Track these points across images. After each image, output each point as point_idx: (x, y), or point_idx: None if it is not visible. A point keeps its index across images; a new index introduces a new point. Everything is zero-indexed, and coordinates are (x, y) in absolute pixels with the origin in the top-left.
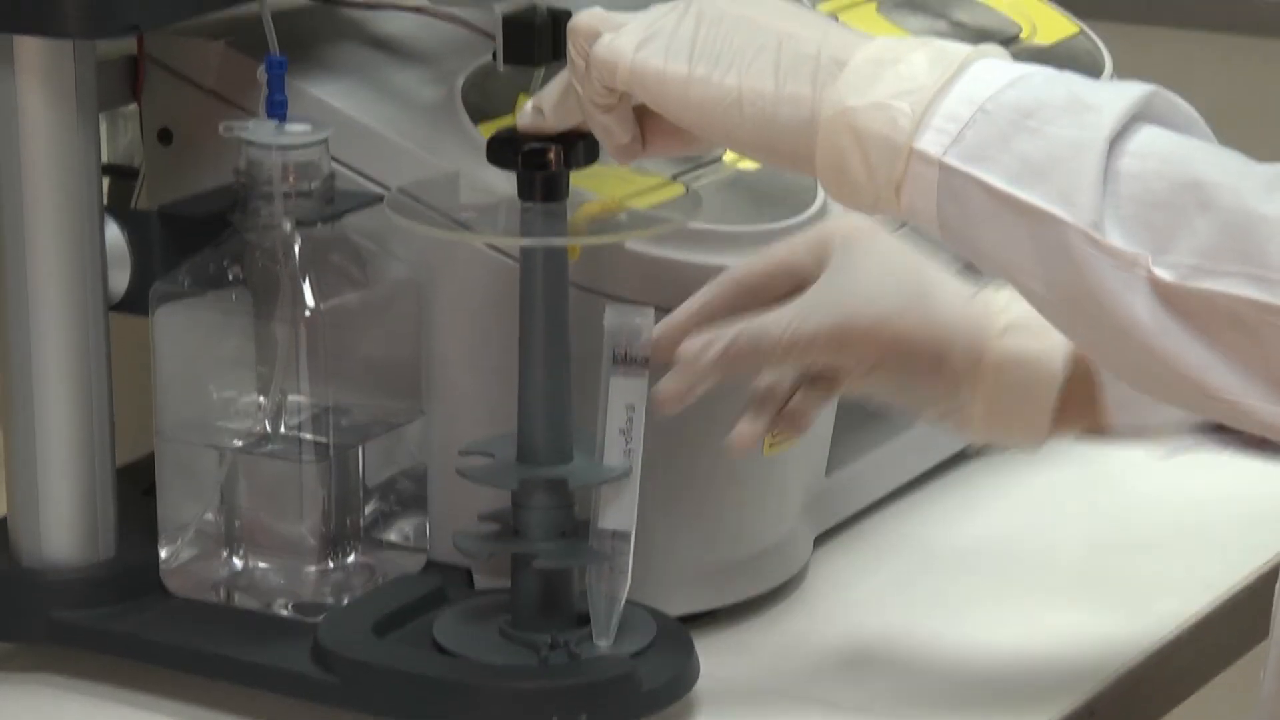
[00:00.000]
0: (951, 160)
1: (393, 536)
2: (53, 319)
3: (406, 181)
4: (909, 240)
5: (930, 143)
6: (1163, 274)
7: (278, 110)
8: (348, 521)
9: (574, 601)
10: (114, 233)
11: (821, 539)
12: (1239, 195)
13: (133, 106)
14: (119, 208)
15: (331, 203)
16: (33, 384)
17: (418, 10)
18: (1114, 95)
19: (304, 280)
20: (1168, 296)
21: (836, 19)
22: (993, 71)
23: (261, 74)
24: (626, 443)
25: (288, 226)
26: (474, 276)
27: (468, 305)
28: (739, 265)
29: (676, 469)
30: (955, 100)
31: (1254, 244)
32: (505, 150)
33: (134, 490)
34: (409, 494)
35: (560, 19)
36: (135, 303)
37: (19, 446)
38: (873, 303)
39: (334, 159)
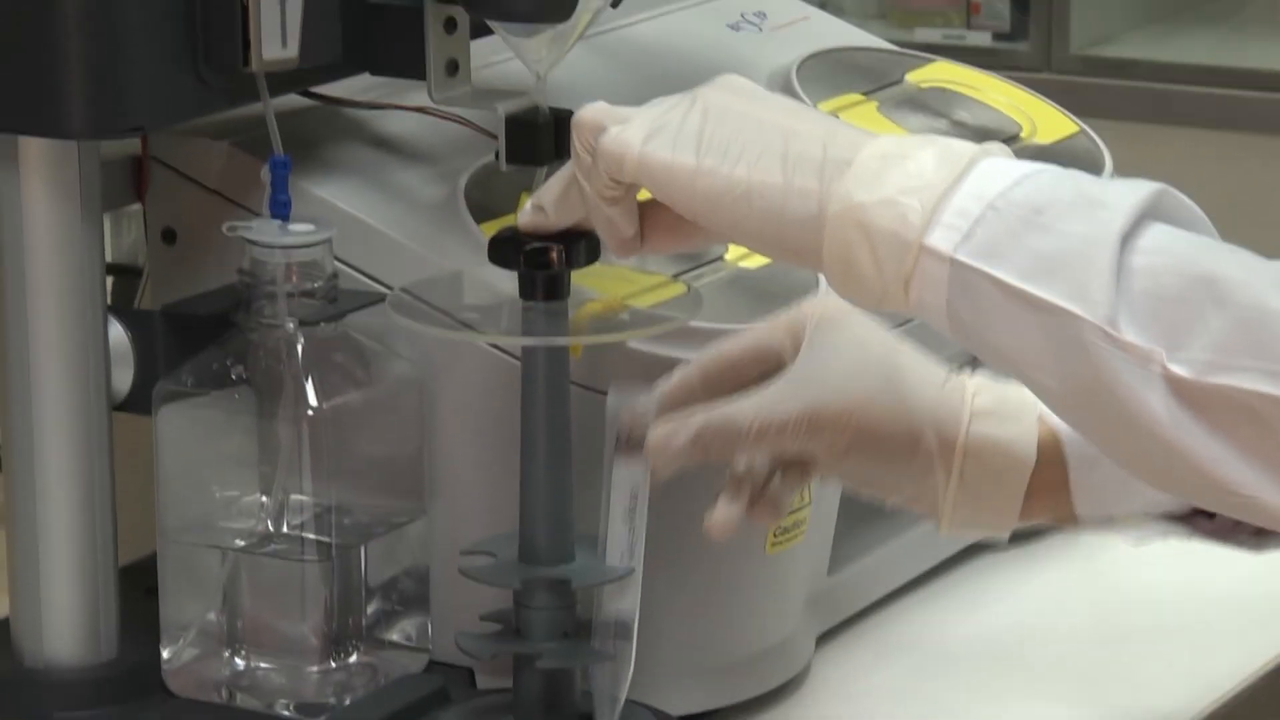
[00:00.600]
0: (963, 256)
1: (395, 636)
2: (56, 418)
3: (409, 281)
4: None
5: (941, 239)
6: (1178, 369)
7: (281, 210)
8: (350, 621)
9: (577, 700)
10: (117, 332)
11: (824, 638)
12: (1251, 290)
13: (136, 206)
14: (122, 307)
15: (335, 302)
16: (35, 483)
17: (421, 110)
18: (1124, 192)
19: (307, 380)
20: (1183, 392)
21: (839, 117)
22: (1000, 169)
23: (265, 174)
24: (630, 529)
25: (291, 326)
26: (477, 376)
27: (470, 404)
28: (712, 348)
29: (678, 567)
30: (965, 197)
31: (1268, 338)
32: (507, 250)
33: (136, 590)
34: (411, 593)
35: (563, 118)
36: (138, 402)
37: (21, 546)
38: (844, 389)
39: (337, 258)
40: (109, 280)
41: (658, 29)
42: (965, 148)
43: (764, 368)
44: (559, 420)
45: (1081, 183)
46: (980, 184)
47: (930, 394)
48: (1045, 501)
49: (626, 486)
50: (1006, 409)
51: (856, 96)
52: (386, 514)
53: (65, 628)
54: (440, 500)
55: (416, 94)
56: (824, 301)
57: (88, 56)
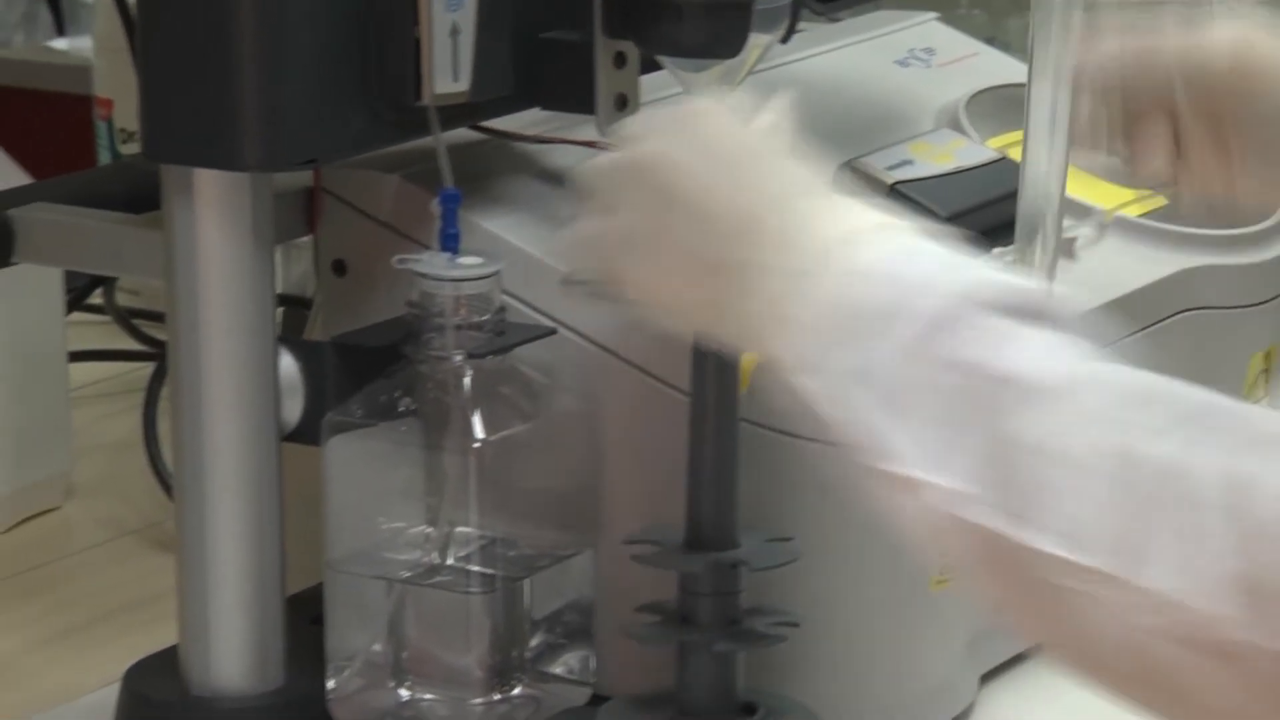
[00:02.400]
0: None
1: (558, 669)
2: (226, 448)
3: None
4: None
5: (783, 348)
6: None
7: (451, 243)
8: (514, 653)
9: (740, 690)
10: (287, 363)
11: (988, 677)
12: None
13: (306, 238)
14: (292, 338)
15: (502, 335)
16: (205, 512)
17: (589, 144)
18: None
19: (474, 412)
20: None
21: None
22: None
23: (435, 207)
24: None
25: (459, 358)
26: (642, 408)
27: (636, 437)
28: None
29: (842, 606)
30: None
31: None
32: None
33: (303, 619)
34: (575, 626)
35: None
36: (307, 433)
37: (191, 574)
38: None
39: (505, 291)
40: (279, 311)
41: (826, 65)
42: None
43: None
44: (727, 401)
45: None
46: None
47: None
48: None
49: None
50: None
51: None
52: (552, 546)
53: (232, 656)
54: (605, 533)
55: (585, 128)
56: None
57: (262, 90)
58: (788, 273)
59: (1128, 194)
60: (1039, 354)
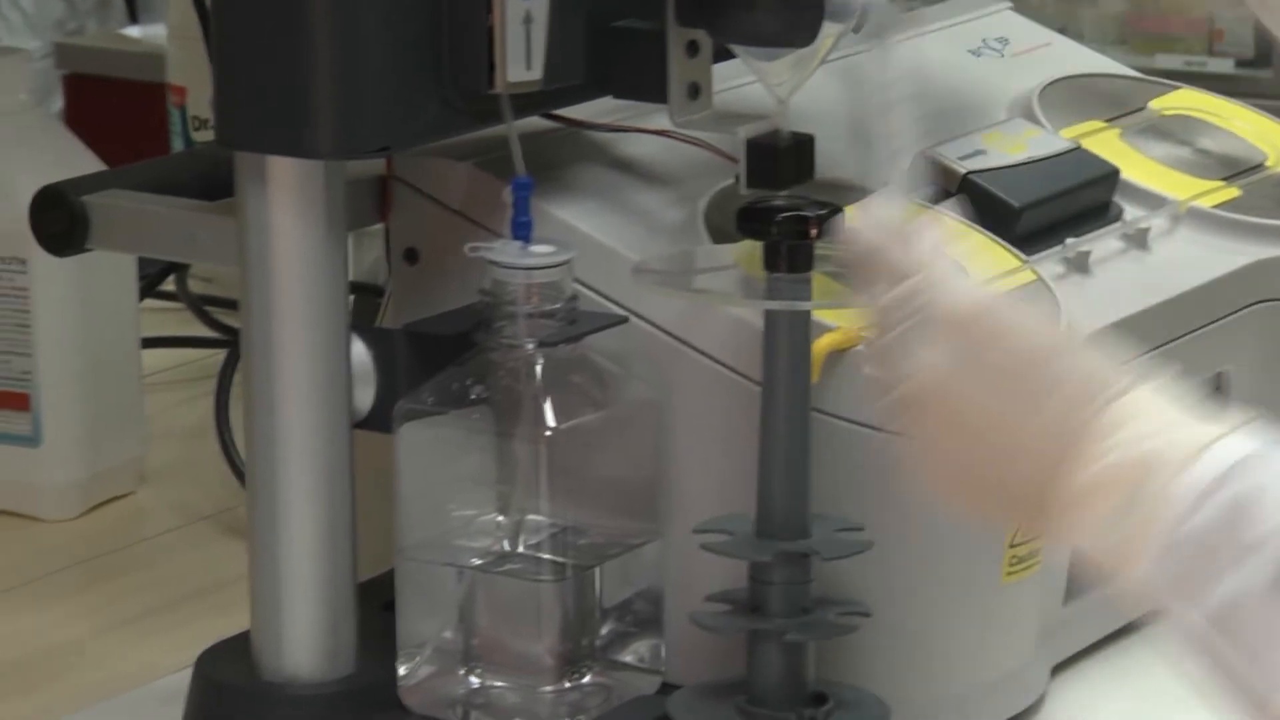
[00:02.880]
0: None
1: (628, 658)
2: (299, 435)
3: (644, 258)
4: None
5: (1133, 581)
6: None
7: (523, 231)
8: (584, 642)
9: (811, 680)
10: (359, 350)
11: (1059, 669)
12: None
13: (378, 225)
14: (364, 325)
15: (574, 323)
16: (277, 499)
17: (661, 133)
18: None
19: (545, 400)
20: None
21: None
22: (1193, 484)
23: (507, 195)
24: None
25: (530, 346)
26: (713, 397)
27: (707, 427)
28: None
29: (911, 597)
30: (1152, 533)
31: None
32: (757, 220)
33: (374, 606)
34: (645, 615)
35: (804, 143)
36: (379, 420)
37: (263, 560)
38: None
39: (576, 280)
40: (351, 299)
41: (898, 54)
42: (1173, 475)
43: None
44: (799, 390)
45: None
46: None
47: None
48: None
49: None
50: None
51: (1098, 124)
52: (622, 535)
53: (304, 642)
54: (675, 522)
55: (658, 117)
56: None
57: (336, 78)
58: (1113, 511)
59: (1202, 184)
60: None
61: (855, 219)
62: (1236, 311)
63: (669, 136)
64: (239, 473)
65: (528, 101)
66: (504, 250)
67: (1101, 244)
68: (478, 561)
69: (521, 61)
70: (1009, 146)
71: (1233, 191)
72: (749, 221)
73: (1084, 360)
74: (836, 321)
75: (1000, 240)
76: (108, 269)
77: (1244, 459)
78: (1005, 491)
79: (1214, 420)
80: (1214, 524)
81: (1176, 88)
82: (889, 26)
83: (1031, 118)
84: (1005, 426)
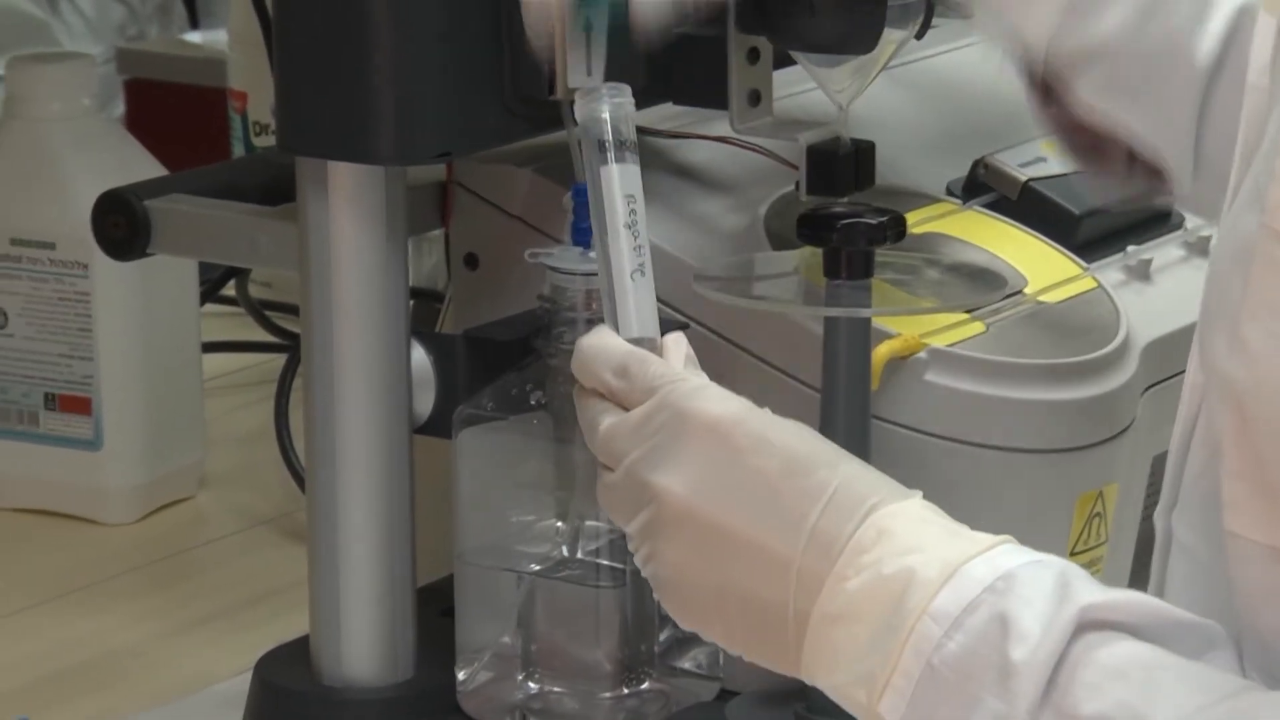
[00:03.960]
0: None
1: (687, 664)
2: (358, 440)
3: (703, 264)
4: None
5: (888, 708)
6: None
7: (583, 237)
8: (643, 648)
9: None
10: (419, 355)
11: None
12: None
13: (438, 231)
14: (424, 331)
15: None
16: (337, 503)
17: (722, 140)
18: (1042, 630)
19: None
20: None
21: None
22: (951, 603)
23: (567, 201)
24: (635, 239)
25: None
26: (770, 402)
27: None
28: None
29: None
30: (909, 656)
31: None
32: (818, 227)
33: (433, 611)
34: None
35: (864, 150)
36: (438, 425)
37: (322, 565)
38: None
39: None
40: (410, 304)
41: (959, 61)
42: (919, 591)
43: None
44: (859, 397)
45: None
46: (923, 636)
47: None
48: None
49: (621, 194)
50: None
51: None
52: None
53: (363, 647)
54: None
55: (718, 124)
56: None
57: (396, 84)
58: (870, 634)
59: None
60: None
61: (576, 351)
62: None
63: (729, 143)
64: (299, 477)
65: None
66: (563, 256)
67: (1163, 252)
68: (536, 567)
69: (582, 68)
70: None
71: None
72: (809, 228)
73: (845, 471)
74: (897, 329)
75: (1061, 248)
76: (168, 274)
77: (1003, 576)
78: (758, 619)
79: (969, 538)
80: (974, 646)
81: None
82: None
83: None
84: (759, 546)
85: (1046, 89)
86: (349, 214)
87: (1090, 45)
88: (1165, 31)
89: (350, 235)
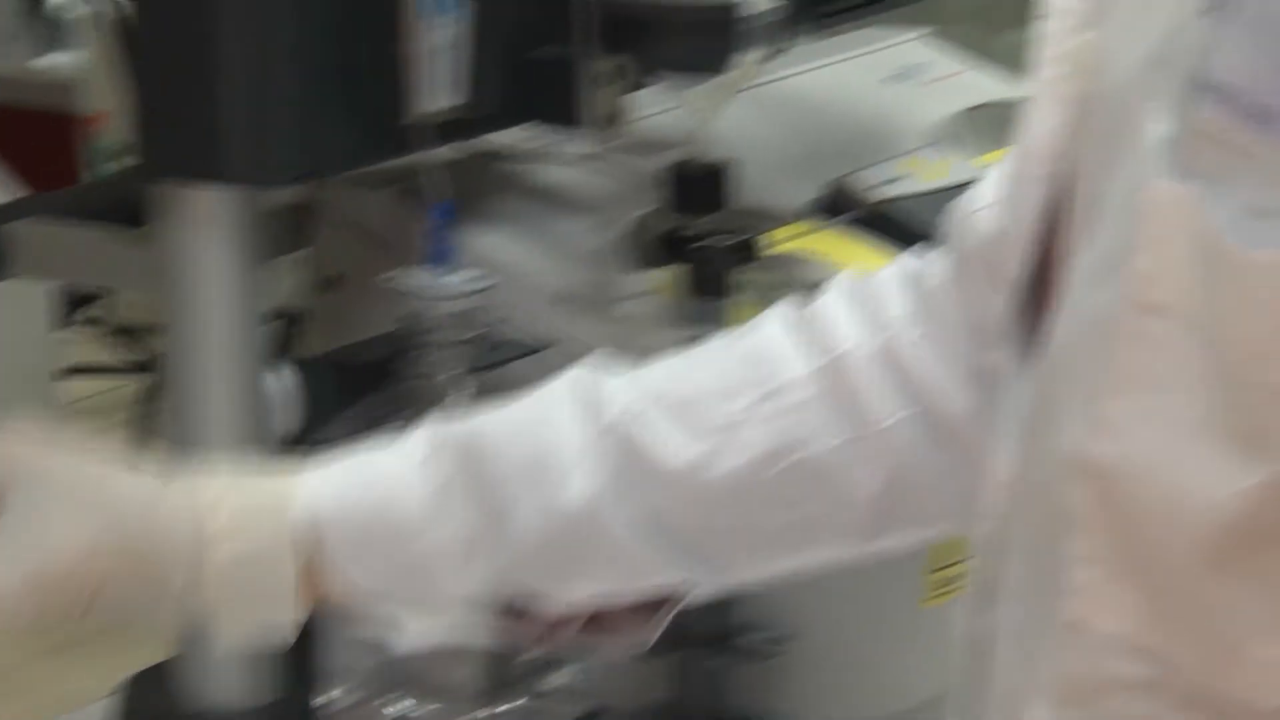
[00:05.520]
0: None
1: (553, 683)
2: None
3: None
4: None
5: None
6: None
7: (442, 259)
8: (508, 668)
9: (732, 705)
10: (281, 378)
11: None
12: None
13: (300, 253)
14: (285, 353)
15: (494, 351)
16: None
17: (581, 161)
18: None
19: None
20: None
21: None
22: None
23: (427, 223)
24: None
25: (451, 373)
26: None
27: None
28: None
29: (831, 622)
30: None
31: None
32: (675, 247)
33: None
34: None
35: (723, 169)
36: (301, 447)
37: None
38: (64, 547)
39: (497, 307)
40: (271, 327)
41: (816, 81)
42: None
43: None
44: None
45: None
46: None
47: (162, 522)
48: (323, 586)
49: None
50: (251, 522)
51: None
52: None
53: (226, 670)
54: None
55: (577, 145)
56: (12, 454)
57: (251, 107)
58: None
59: None
60: None
61: None
62: None
63: (588, 164)
64: None
65: (447, 130)
66: (423, 278)
67: None
68: None
69: (439, 90)
70: (924, 173)
71: None
72: (668, 249)
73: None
74: None
75: None
76: (20, 298)
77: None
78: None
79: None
80: None
81: None
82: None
83: (947, 145)
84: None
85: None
86: (207, 237)
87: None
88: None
89: (209, 258)
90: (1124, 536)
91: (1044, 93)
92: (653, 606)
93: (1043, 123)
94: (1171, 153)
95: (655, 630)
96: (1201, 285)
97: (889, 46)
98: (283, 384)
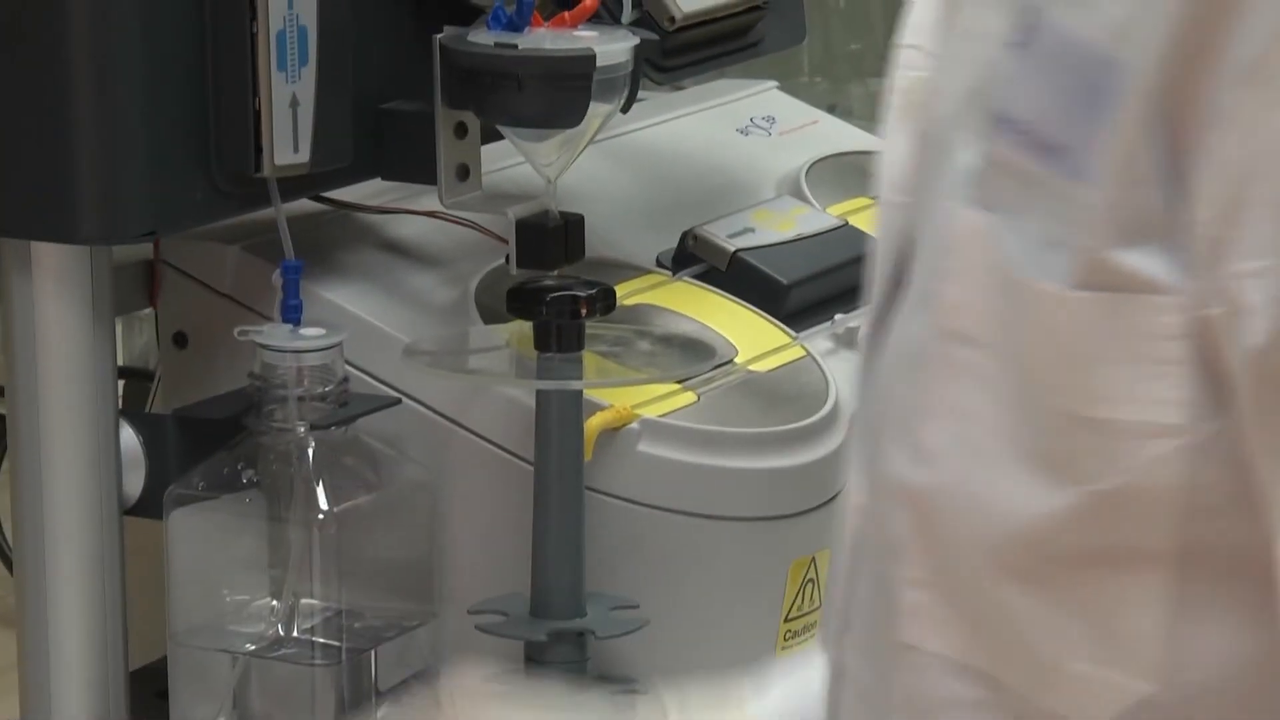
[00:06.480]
0: None
1: None
2: (67, 521)
3: (416, 339)
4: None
5: None
6: None
7: (292, 314)
8: None
9: None
10: (129, 436)
11: None
12: None
13: (148, 310)
14: (134, 411)
15: (345, 406)
16: (46, 586)
17: (431, 215)
18: None
19: (318, 483)
20: None
21: None
22: None
23: (277, 278)
24: None
25: (302, 430)
26: (486, 477)
27: (480, 507)
28: None
29: (688, 672)
30: None
31: None
32: (526, 301)
33: (147, 693)
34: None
35: (573, 223)
36: (149, 506)
37: (32, 649)
38: None
39: (348, 362)
40: (120, 384)
41: (668, 133)
42: None
43: None
44: (572, 469)
45: None
46: None
47: None
48: None
49: None
50: None
51: (866, 200)
52: (397, 617)
53: None
54: (451, 604)
55: (427, 199)
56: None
57: (100, 164)
58: None
59: None
60: None
61: None
62: None
63: (439, 218)
64: (7, 561)
65: (296, 184)
66: (273, 333)
67: None
68: (251, 646)
69: (289, 145)
70: (778, 224)
71: None
72: (519, 302)
73: None
74: (609, 400)
75: (770, 317)
76: None
77: None
78: None
79: None
80: None
81: None
82: None
83: (800, 195)
84: None
85: None
86: (54, 294)
87: None
88: None
89: (56, 315)
90: (944, 560)
91: (891, 125)
92: None
93: (891, 153)
94: (976, 183)
95: None
96: (1002, 315)
97: (741, 98)
98: (130, 442)
